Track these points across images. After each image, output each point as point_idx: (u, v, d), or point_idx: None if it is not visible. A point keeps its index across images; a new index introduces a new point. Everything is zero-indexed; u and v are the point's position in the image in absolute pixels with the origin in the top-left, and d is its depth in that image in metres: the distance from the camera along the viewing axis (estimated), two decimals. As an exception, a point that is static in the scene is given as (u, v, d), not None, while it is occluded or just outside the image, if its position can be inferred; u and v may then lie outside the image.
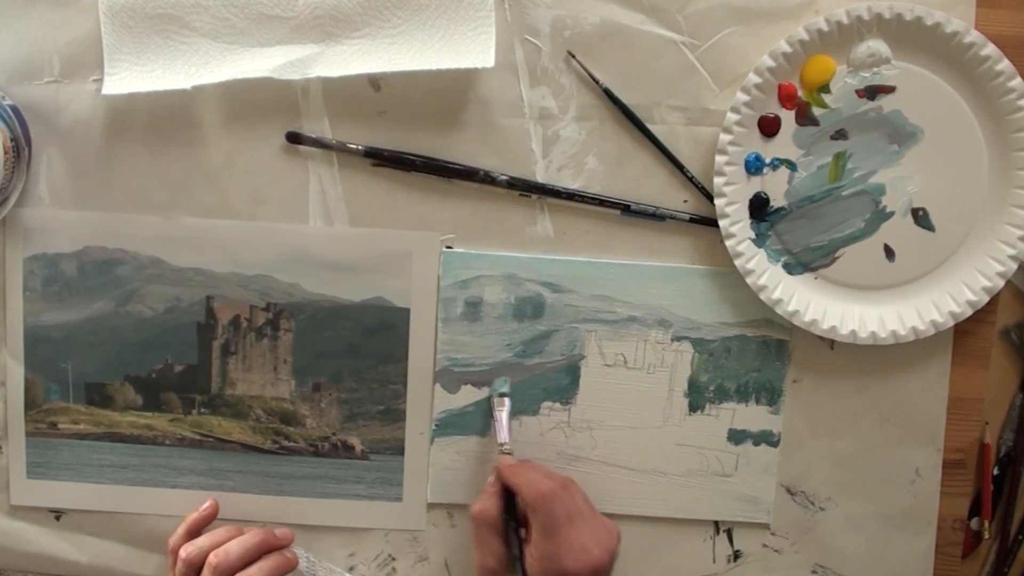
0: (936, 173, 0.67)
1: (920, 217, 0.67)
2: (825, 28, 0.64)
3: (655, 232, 0.69)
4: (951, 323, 0.67)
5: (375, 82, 0.67)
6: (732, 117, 0.66)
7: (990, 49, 0.64)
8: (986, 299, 0.67)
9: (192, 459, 0.72)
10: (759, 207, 0.67)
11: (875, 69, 0.66)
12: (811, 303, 0.68)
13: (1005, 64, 0.64)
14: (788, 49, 0.65)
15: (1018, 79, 0.64)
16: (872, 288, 0.68)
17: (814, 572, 0.73)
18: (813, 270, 0.68)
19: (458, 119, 0.68)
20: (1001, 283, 0.67)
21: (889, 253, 0.68)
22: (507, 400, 0.69)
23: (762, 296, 0.67)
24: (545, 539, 0.61)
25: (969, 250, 0.67)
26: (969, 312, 0.67)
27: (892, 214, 0.67)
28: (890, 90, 0.66)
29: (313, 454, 0.72)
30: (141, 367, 0.71)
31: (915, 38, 0.65)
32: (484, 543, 0.63)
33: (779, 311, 0.67)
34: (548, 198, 0.69)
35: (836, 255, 0.68)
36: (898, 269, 0.68)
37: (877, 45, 0.65)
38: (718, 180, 0.66)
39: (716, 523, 0.73)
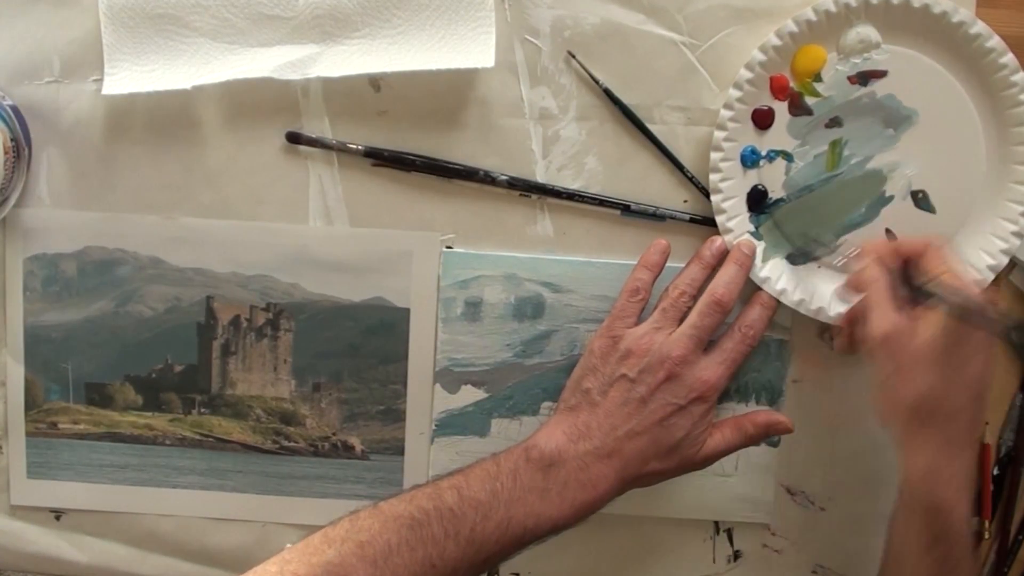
0: (933, 154, 0.66)
1: (920, 199, 0.67)
2: (814, 18, 0.64)
3: (655, 232, 0.69)
4: None
5: (375, 82, 0.67)
6: (726, 114, 0.66)
7: (980, 27, 0.64)
8: (991, 277, 0.67)
9: (192, 459, 0.72)
10: (758, 200, 0.67)
11: (866, 55, 0.65)
12: (815, 292, 0.68)
13: (996, 41, 0.64)
14: (778, 42, 0.65)
15: (1010, 55, 0.64)
16: None
17: (814, 572, 0.73)
18: (816, 259, 0.68)
19: (458, 119, 0.68)
20: (1005, 260, 0.66)
21: (891, 237, 0.68)
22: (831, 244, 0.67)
23: (765, 287, 0.67)
24: (954, 266, 0.59)
25: (972, 230, 0.67)
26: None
27: (892, 198, 0.67)
28: (882, 74, 0.66)
29: (313, 454, 0.72)
30: (141, 367, 0.71)
31: (904, 21, 0.64)
32: (879, 309, 0.59)
33: (784, 301, 0.67)
34: (548, 198, 0.69)
35: (838, 243, 0.68)
36: None
37: (866, 31, 0.65)
38: (714, 177, 0.66)
39: (716, 523, 0.73)
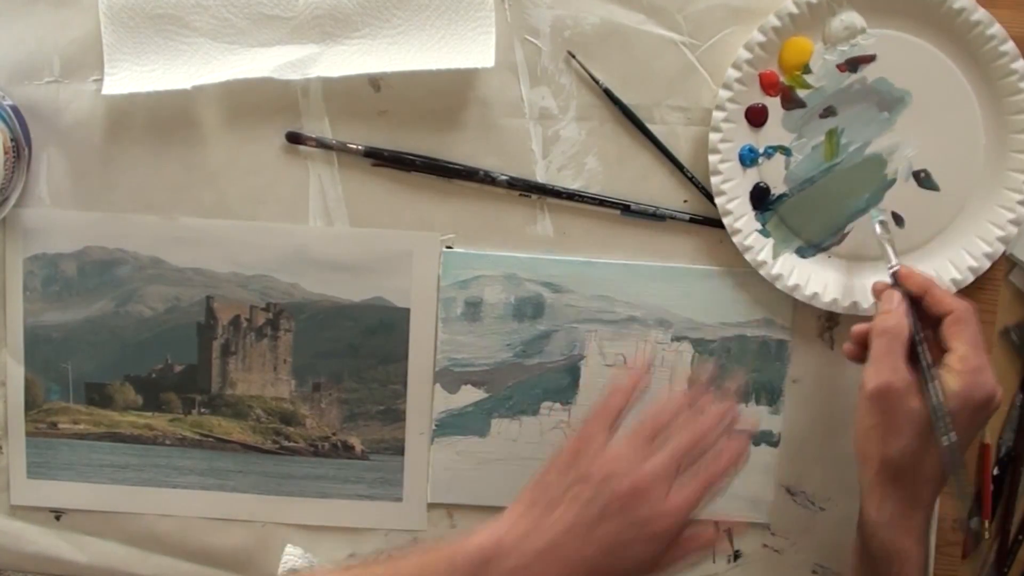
0: (931, 132, 0.66)
1: (923, 179, 0.67)
2: (795, 11, 0.64)
3: (655, 232, 0.69)
4: (971, 278, 0.67)
5: (375, 82, 0.67)
6: (719, 115, 0.66)
7: (965, 1, 0.64)
8: (1001, 249, 0.67)
9: (192, 459, 0.72)
10: (761, 197, 0.67)
11: (852, 41, 0.65)
12: (828, 284, 0.68)
13: (982, 13, 0.64)
14: (762, 38, 0.65)
15: (997, 26, 0.64)
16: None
17: (814, 572, 0.73)
18: (825, 250, 0.68)
19: (458, 119, 0.68)
20: (1014, 230, 0.66)
21: (898, 220, 0.68)
22: (887, 224, 0.65)
23: (778, 285, 0.67)
24: (975, 352, 0.58)
25: (977, 203, 0.67)
26: (988, 264, 0.67)
27: (894, 181, 0.67)
28: (870, 59, 0.66)
29: (313, 454, 0.72)
30: (141, 367, 0.71)
31: (887, 3, 0.65)
32: (887, 360, 0.58)
33: (798, 296, 0.67)
34: (548, 198, 0.69)
35: (845, 231, 0.68)
36: (909, 234, 0.67)
37: (850, 17, 0.65)
38: (715, 179, 0.66)
39: (716, 523, 0.73)
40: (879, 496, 0.59)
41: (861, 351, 0.62)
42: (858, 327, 0.63)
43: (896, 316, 0.60)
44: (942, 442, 0.57)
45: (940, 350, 0.59)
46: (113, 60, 0.66)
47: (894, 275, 0.63)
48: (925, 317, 0.61)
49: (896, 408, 0.58)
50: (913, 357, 0.59)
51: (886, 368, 0.58)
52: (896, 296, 0.61)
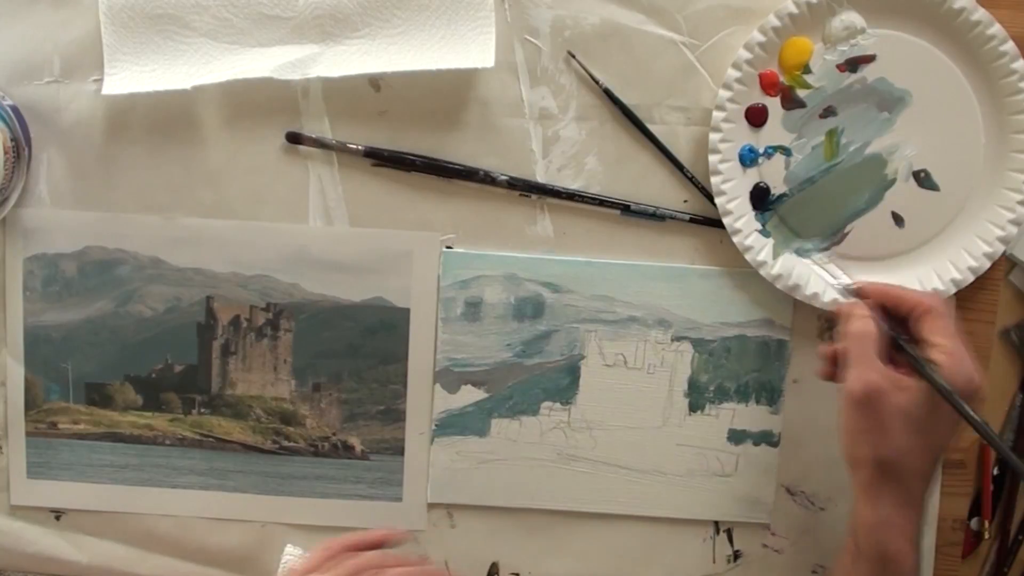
0: (931, 132, 0.66)
1: (923, 179, 0.67)
2: (795, 11, 0.64)
3: (655, 232, 0.69)
4: (971, 278, 0.67)
5: (375, 82, 0.67)
6: (719, 115, 0.66)
7: (965, 1, 0.64)
8: (1001, 249, 0.67)
9: (192, 459, 0.72)
10: (761, 197, 0.67)
11: (852, 41, 0.65)
12: (828, 285, 0.68)
13: (981, 13, 0.64)
14: (762, 38, 0.65)
15: (997, 26, 0.64)
16: (886, 257, 0.68)
17: (814, 572, 0.73)
18: (825, 250, 0.68)
19: (458, 119, 0.68)
20: (1014, 230, 0.66)
21: (898, 220, 0.68)
22: (823, 255, 0.67)
23: (779, 285, 0.67)
24: (954, 342, 0.58)
25: (977, 203, 0.67)
26: (988, 264, 0.67)
27: (895, 181, 0.67)
28: (870, 59, 0.66)
29: (313, 454, 0.72)
30: (141, 367, 0.71)
31: (886, 2, 0.65)
32: (866, 362, 0.58)
33: (798, 296, 0.67)
34: (548, 198, 0.69)
35: (845, 231, 0.68)
36: (909, 234, 0.67)
37: (850, 17, 0.65)
38: (715, 179, 0.66)
39: (716, 523, 0.73)
40: (874, 497, 0.59)
41: (833, 369, 0.63)
42: (824, 347, 0.63)
43: (862, 319, 0.60)
44: (974, 419, 0.56)
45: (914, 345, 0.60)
46: (113, 60, 0.66)
47: (848, 290, 0.64)
48: (891, 319, 0.61)
49: (884, 407, 0.58)
50: (887, 359, 0.59)
51: (868, 369, 0.58)
52: (855, 303, 0.62)
